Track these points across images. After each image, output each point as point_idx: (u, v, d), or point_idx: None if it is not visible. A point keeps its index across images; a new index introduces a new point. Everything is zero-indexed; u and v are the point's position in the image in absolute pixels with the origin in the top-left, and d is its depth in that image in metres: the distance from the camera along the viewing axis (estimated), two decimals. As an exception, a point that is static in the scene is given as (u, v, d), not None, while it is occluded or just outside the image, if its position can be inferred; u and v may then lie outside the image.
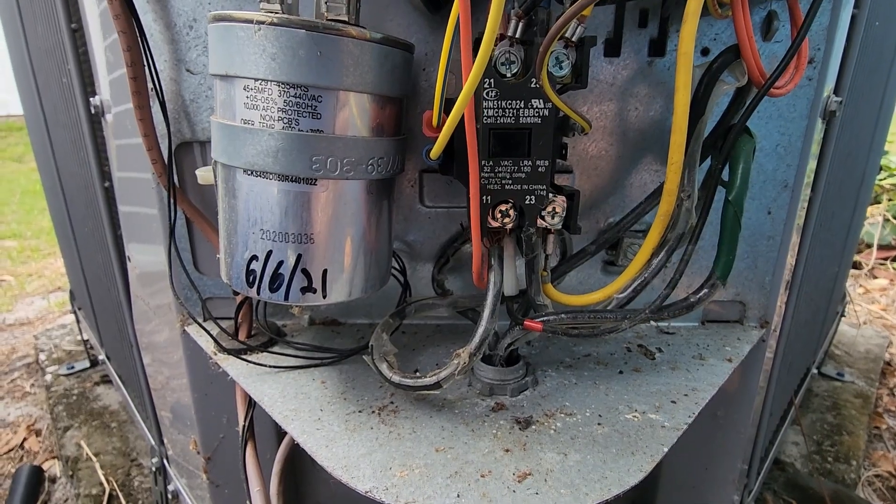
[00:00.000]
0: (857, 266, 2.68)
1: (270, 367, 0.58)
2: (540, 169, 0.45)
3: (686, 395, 0.54)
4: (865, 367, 1.77)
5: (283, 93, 0.41)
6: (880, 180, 3.16)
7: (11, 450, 1.47)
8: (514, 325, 0.54)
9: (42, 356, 1.84)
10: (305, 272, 0.46)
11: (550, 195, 0.47)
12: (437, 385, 0.48)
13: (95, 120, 0.80)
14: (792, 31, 0.52)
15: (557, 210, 0.48)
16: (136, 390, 1.13)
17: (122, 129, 0.68)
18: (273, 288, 0.46)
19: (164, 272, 0.67)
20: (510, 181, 0.46)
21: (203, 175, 0.58)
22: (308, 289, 0.47)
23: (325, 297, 0.48)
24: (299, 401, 0.53)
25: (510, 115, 0.44)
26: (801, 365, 1.21)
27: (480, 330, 0.48)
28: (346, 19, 0.43)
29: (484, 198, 0.46)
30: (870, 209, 2.94)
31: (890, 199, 3.10)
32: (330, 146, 0.43)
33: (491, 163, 0.45)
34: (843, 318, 1.89)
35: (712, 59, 0.48)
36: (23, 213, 3.68)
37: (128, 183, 0.72)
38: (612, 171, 0.62)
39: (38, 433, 1.52)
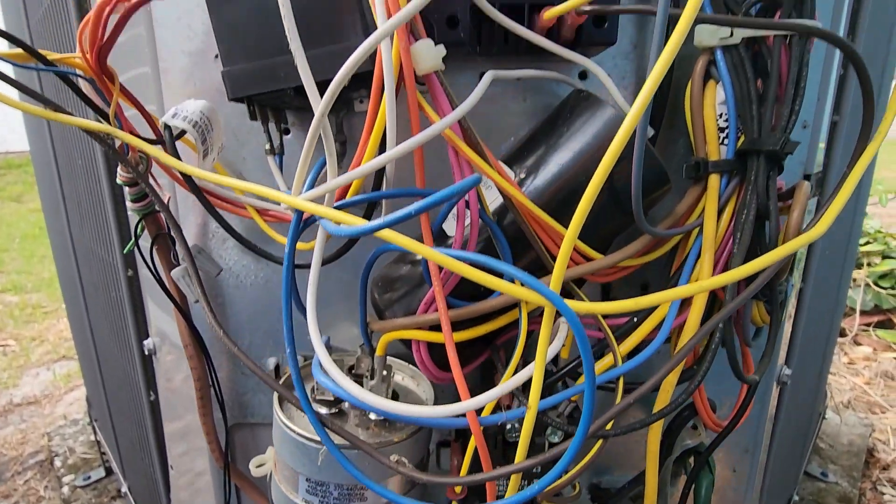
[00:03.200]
0: (840, 333, 2.76)
1: None
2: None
3: None
4: (848, 464, 1.86)
5: (337, 488, 0.52)
6: (862, 245, 3.26)
7: (32, 567, 1.50)
8: None
9: (57, 461, 1.87)
10: None
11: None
12: None
13: (147, 358, 0.90)
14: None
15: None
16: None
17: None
18: None
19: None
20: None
21: (256, 469, 0.68)
22: None
23: None
24: None
25: None
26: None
27: None
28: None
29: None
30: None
31: (870, 265, 3.20)
32: (373, 516, 0.54)
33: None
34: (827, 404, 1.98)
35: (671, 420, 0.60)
36: (23, 261, 3.58)
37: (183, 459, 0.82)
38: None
39: (56, 549, 1.57)
